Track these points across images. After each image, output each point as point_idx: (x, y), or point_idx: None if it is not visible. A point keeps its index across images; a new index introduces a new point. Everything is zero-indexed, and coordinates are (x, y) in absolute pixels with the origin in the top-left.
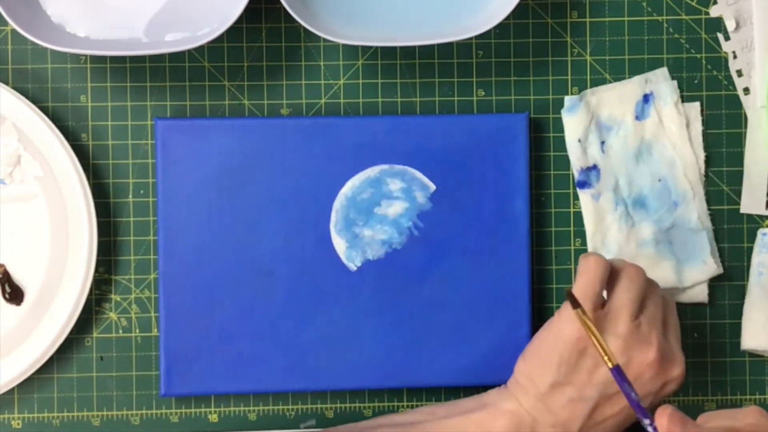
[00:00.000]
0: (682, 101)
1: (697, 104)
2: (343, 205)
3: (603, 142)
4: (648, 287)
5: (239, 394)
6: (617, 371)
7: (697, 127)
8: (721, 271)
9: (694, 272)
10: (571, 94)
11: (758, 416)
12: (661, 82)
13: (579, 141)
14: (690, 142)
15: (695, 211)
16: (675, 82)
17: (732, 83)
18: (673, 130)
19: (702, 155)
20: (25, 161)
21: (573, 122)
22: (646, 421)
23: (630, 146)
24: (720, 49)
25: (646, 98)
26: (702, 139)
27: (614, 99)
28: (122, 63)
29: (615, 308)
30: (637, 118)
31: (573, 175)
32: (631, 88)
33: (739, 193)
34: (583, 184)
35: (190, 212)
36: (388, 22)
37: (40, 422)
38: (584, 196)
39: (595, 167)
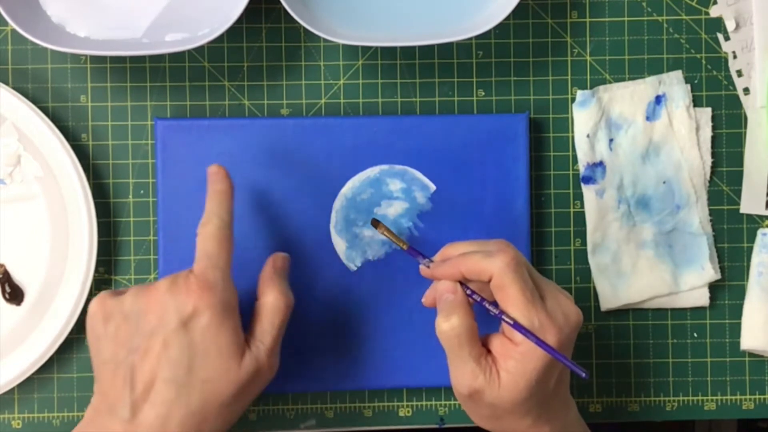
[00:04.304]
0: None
1: (709, 110)
2: (343, 206)
3: (611, 140)
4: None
5: None
6: (412, 251)
7: (707, 132)
8: (718, 276)
9: (692, 277)
10: (571, 94)
11: (503, 244)
12: (674, 85)
13: (588, 136)
14: (698, 147)
15: (697, 216)
16: (688, 86)
17: (732, 83)
18: (683, 133)
19: (709, 161)
20: (25, 161)
21: (583, 117)
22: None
23: (638, 146)
24: (720, 49)
25: (659, 99)
26: (710, 145)
27: (626, 98)
28: (122, 63)
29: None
30: (648, 118)
31: (575, 172)
32: (644, 88)
33: (739, 194)
34: (588, 180)
35: (190, 212)
36: (388, 22)
37: (40, 422)
38: (588, 192)
39: (601, 164)
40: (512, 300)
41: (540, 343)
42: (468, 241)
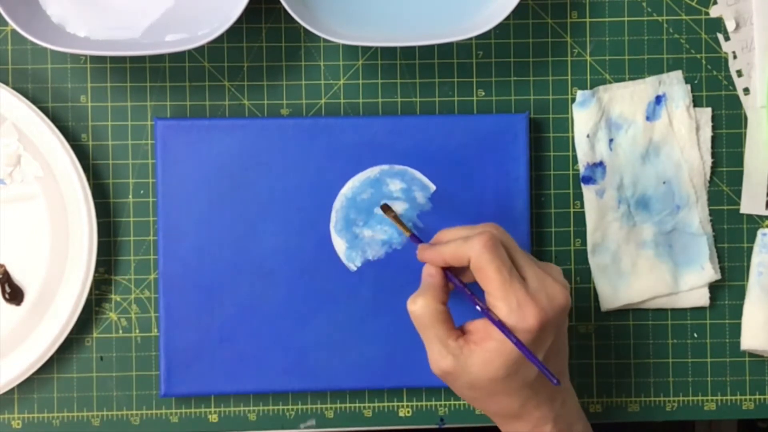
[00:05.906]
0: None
1: (709, 110)
2: (343, 206)
3: (611, 140)
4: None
5: (239, 394)
6: (414, 238)
7: (707, 132)
8: (718, 276)
9: (692, 277)
10: (571, 94)
11: (489, 226)
12: (674, 85)
13: (588, 136)
14: (698, 147)
15: (697, 216)
16: (689, 86)
17: (732, 83)
18: (683, 133)
19: (709, 161)
20: (25, 161)
21: (583, 117)
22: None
23: (638, 146)
24: (720, 49)
25: (659, 99)
26: (710, 145)
27: (626, 98)
28: (122, 63)
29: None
30: (648, 118)
31: (575, 172)
32: (644, 88)
33: (739, 194)
34: (588, 180)
35: (190, 212)
36: (388, 22)
37: (40, 422)
38: (588, 192)
39: (601, 164)
40: (489, 280)
41: (507, 334)
42: (459, 226)
